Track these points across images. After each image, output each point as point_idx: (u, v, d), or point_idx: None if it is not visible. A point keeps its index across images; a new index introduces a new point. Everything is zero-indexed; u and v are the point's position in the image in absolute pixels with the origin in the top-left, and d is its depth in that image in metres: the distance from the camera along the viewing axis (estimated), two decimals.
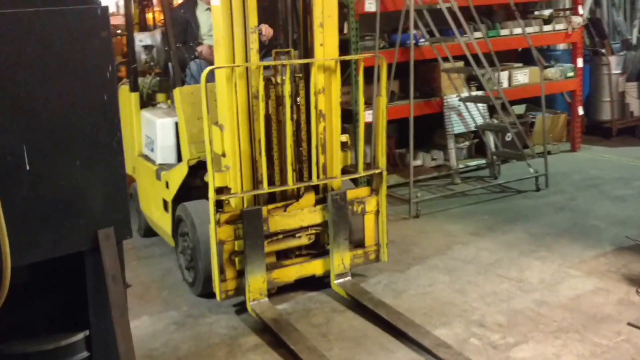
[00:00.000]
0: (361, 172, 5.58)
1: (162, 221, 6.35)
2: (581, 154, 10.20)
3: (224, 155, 5.12)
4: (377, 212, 5.62)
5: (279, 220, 5.26)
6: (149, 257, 6.77)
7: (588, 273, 5.79)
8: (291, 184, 5.21)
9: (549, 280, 5.70)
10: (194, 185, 5.80)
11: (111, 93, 2.55)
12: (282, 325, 4.86)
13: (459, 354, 4.44)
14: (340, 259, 5.48)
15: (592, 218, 7.25)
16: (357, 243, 5.70)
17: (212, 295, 5.26)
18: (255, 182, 5.18)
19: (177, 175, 5.90)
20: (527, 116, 10.15)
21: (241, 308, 5.29)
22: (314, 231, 5.49)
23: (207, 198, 5.02)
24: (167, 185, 6.10)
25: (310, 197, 5.41)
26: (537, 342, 4.67)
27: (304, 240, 5.48)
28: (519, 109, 10.43)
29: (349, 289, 5.45)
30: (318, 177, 5.30)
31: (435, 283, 5.74)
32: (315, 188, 5.46)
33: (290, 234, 5.40)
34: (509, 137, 8.93)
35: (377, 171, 5.57)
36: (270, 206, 5.28)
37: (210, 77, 5.07)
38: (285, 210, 5.31)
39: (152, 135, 6.42)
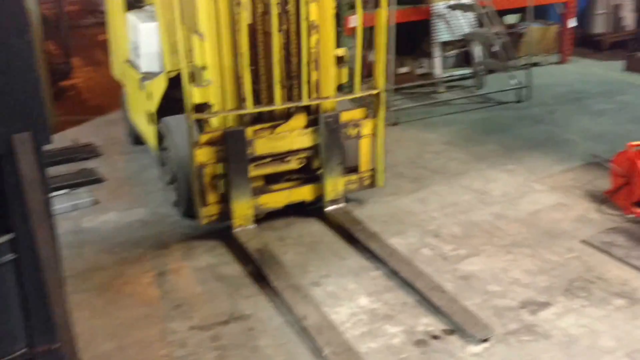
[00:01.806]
0: (357, 92, 4.88)
1: (148, 132, 5.73)
2: (569, 67, 9.69)
3: (204, 68, 4.43)
4: (374, 136, 5.00)
5: (265, 142, 4.61)
6: (130, 152, 6.57)
7: (552, 188, 5.53)
8: (279, 104, 4.54)
9: (512, 193, 5.45)
10: (177, 97, 4.99)
11: None
12: (265, 257, 4.32)
13: (408, 263, 4.28)
14: (333, 184, 4.91)
15: (568, 132, 6.91)
16: (352, 168, 5.09)
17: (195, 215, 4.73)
18: (240, 100, 4.48)
19: (158, 87, 5.22)
20: (518, 26, 9.58)
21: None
22: (304, 155, 4.86)
23: None
24: (149, 96, 5.43)
25: (300, 119, 4.73)
26: (487, 256, 4.48)
27: (293, 164, 4.85)
28: (512, 18, 9.84)
29: (340, 216, 4.89)
30: (309, 96, 4.62)
31: (399, 192, 5.50)
32: (307, 108, 4.77)
33: (279, 157, 4.78)
34: (496, 47, 8.43)
35: (374, 92, 4.88)
36: (256, 127, 4.61)
37: None
38: (272, 132, 4.65)
39: (137, 40, 5.65)
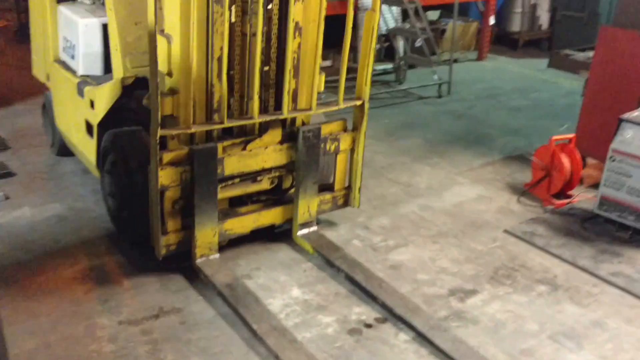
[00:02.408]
0: (341, 104, 4.39)
1: (84, 146, 5.06)
2: (487, 64, 10.20)
3: (169, 74, 3.84)
4: (352, 151, 4.65)
5: (236, 161, 4.10)
6: (40, 146, 6.36)
7: (474, 180, 5.85)
8: (256, 117, 4.02)
9: (437, 186, 5.72)
10: (127, 107, 4.56)
11: None
12: (241, 299, 3.83)
13: (340, 250, 4.41)
14: (307, 205, 4.49)
15: (486, 127, 7.30)
16: (324, 186, 4.74)
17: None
18: (209, 112, 3.95)
19: (107, 96, 4.56)
20: (439, 23, 9.99)
21: None
22: (277, 174, 4.44)
23: (143, 125, 4.02)
24: (92, 105, 4.75)
25: (276, 133, 4.24)
26: (416, 246, 4.70)
27: (264, 184, 4.41)
28: (433, 14, 10.23)
29: (314, 241, 4.51)
30: (288, 107, 4.15)
31: None
32: (282, 121, 4.31)
33: (249, 177, 4.31)
34: (418, 43, 8.75)
35: (358, 102, 4.50)
36: (226, 143, 4.09)
37: None
38: (244, 149, 4.15)
39: (73, 38, 5.02)
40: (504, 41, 11.10)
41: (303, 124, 4.46)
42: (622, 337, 3.77)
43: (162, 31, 3.81)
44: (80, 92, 4.90)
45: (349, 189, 4.79)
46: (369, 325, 3.79)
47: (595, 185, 5.18)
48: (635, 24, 5.43)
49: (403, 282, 4.21)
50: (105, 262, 4.36)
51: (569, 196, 5.40)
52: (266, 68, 4.16)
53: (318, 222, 4.68)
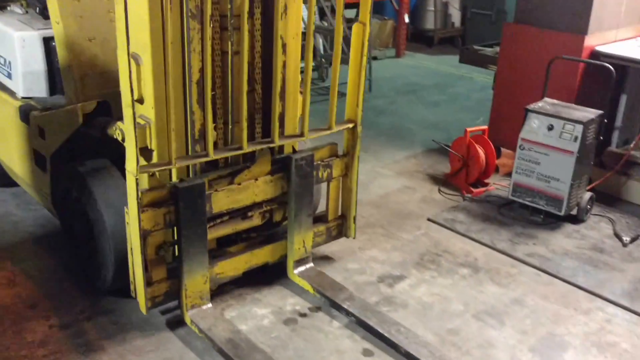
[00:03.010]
0: (333, 127, 4.04)
1: (33, 179, 4.49)
2: (404, 61, 10.50)
3: (140, 100, 3.42)
4: (345, 177, 4.28)
5: (225, 196, 3.67)
6: None
7: (398, 173, 6.05)
8: (245, 146, 3.59)
9: (363, 179, 5.80)
10: (86, 135, 3.99)
11: None
12: (244, 351, 3.41)
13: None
14: (302, 240, 4.10)
15: (408, 122, 7.54)
16: (316, 216, 4.38)
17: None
18: (190, 142, 3.53)
19: (63, 125, 4.03)
20: (356, 20, 10.19)
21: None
22: (268, 207, 4.03)
23: (107, 155, 3.75)
24: (41, 133, 4.19)
25: (265, 163, 3.85)
26: (345, 238, 4.82)
27: (256, 220, 4.00)
28: (350, 13, 10.41)
29: (313, 279, 4.13)
30: (278, 133, 3.75)
31: None
32: (271, 148, 3.91)
33: (239, 213, 3.90)
34: None
35: (350, 125, 4.18)
36: (212, 176, 3.66)
37: None
38: (232, 182, 3.74)
39: (7, 54, 4.40)
40: (420, 38, 11.45)
41: (293, 150, 4.17)
42: (540, 312, 4.02)
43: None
44: (25, 118, 4.29)
45: (342, 218, 4.41)
46: (303, 315, 3.88)
47: (510, 174, 5.44)
48: (534, 20, 5.75)
49: (335, 272, 4.33)
50: (30, 267, 4.26)
51: (486, 184, 5.67)
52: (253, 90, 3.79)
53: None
